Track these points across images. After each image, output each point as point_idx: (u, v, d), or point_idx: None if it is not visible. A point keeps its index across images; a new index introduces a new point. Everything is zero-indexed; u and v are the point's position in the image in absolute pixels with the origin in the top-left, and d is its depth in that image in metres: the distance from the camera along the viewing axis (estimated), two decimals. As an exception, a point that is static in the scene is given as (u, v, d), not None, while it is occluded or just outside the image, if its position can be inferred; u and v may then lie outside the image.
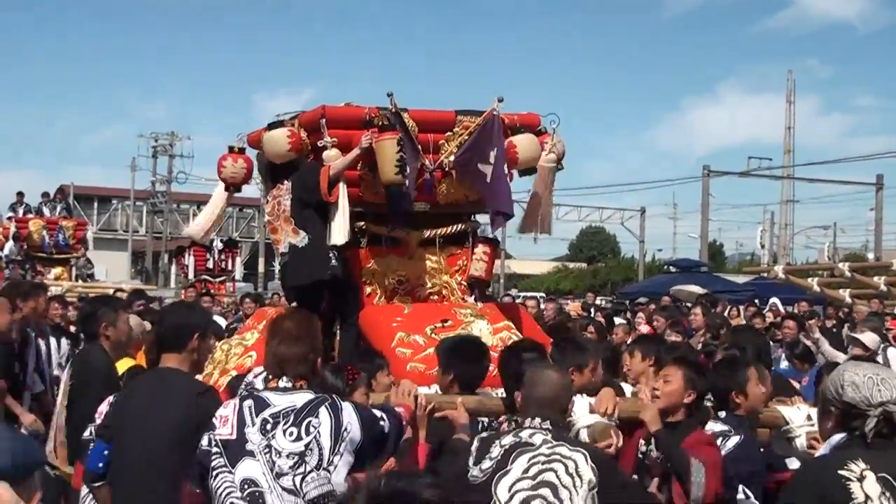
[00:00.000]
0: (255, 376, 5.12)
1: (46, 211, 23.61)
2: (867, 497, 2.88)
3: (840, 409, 3.07)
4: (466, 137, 6.61)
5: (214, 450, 3.46)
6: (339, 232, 6.33)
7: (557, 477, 3.48)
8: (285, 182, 6.58)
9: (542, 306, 15.08)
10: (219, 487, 3.42)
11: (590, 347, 5.22)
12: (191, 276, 24.64)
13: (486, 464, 3.54)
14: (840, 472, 2.93)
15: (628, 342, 7.99)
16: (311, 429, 3.44)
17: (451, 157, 6.63)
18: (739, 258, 62.35)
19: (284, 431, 3.43)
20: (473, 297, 7.04)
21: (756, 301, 20.41)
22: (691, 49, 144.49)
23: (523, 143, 6.72)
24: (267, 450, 3.41)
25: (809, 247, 56.10)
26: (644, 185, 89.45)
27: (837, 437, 3.10)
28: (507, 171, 6.67)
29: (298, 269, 6.49)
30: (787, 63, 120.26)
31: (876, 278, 16.69)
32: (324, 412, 3.48)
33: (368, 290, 6.82)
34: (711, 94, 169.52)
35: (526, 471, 3.49)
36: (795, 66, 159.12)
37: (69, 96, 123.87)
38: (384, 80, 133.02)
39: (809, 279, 18.14)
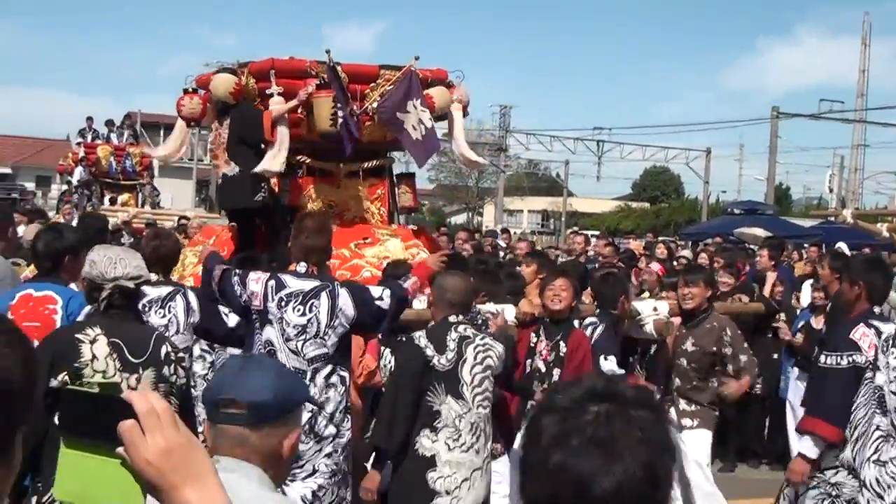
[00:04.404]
0: None
1: (113, 137, 23.90)
2: (94, 356, 3.60)
3: (84, 283, 3.77)
4: (388, 88, 7.90)
5: (255, 315, 4.70)
6: (277, 162, 7.53)
7: (492, 360, 4.82)
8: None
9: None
10: (254, 342, 4.70)
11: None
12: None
13: (450, 355, 4.73)
14: (77, 335, 3.63)
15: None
16: (313, 308, 4.66)
17: (375, 104, 7.92)
18: (806, 202, 60.89)
19: (293, 308, 4.65)
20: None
21: (822, 245, 20.07)
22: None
23: (437, 94, 8.14)
24: (280, 320, 4.65)
25: (879, 192, 54.40)
26: (711, 126, 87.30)
27: (86, 309, 3.86)
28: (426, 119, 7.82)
29: (228, 195, 7.84)
30: (866, 4, 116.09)
31: (946, 224, 16.23)
32: (324, 296, 4.69)
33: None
34: (787, 34, 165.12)
35: (475, 357, 4.76)
36: (874, 9, 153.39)
37: (142, 26, 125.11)
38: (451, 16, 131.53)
39: (878, 224, 17.71)
